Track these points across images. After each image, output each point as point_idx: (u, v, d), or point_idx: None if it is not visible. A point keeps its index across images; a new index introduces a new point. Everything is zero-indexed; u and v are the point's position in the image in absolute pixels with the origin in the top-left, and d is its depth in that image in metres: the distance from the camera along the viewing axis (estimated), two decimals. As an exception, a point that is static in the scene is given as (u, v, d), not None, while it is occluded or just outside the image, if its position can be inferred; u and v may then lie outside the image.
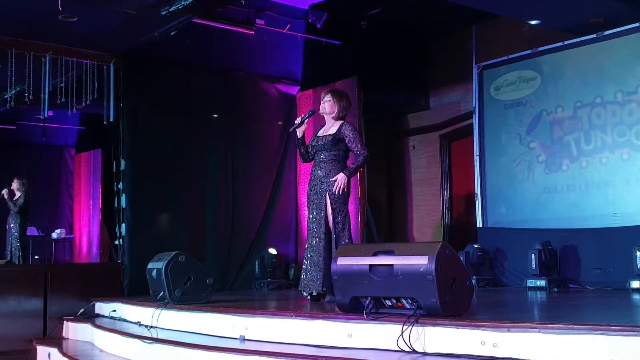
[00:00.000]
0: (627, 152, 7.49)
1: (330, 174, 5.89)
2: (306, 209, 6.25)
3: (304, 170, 9.59)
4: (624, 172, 7.50)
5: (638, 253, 6.76)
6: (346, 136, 5.90)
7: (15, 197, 9.99)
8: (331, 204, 5.86)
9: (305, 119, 6.02)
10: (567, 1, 7.38)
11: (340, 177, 5.83)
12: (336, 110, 6.00)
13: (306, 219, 6.24)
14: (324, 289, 5.77)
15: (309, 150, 6.12)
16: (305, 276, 5.92)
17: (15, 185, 10.03)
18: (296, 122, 6.05)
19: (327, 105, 6.02)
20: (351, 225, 6.02)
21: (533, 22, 8.35)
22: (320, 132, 6.07)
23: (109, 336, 6.31)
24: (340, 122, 6.00)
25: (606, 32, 7.68)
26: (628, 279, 6.84)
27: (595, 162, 7.75)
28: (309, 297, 5.94)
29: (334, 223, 5.86)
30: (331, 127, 6.00)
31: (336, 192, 5.83)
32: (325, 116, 6.09)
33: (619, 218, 7.41)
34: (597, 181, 7.71)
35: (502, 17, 8.62)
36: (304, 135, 6.10)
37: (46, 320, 7.64)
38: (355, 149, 5.91)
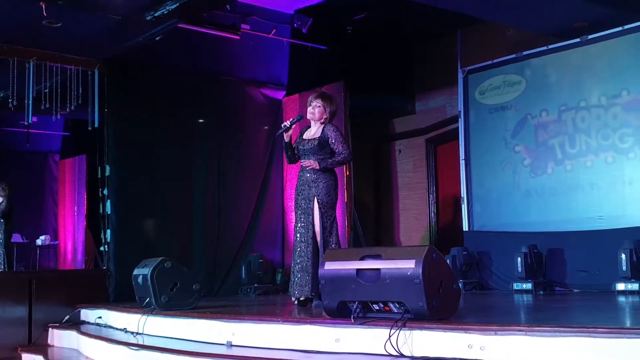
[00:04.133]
0: (612, 155, 7.53)
1: (319, 179, 5.91)
2: (293, 213, 6.25)
3: (291, 175, 9.58)
4: (608, 175, 7.54)
5: (623, 256, 6.79)
6: (329, 137, 5.93)
7: None
8: (319, 208, 5.88)
9: (294, 123, 6.01)
10: (551, 6, 7.42)
11: (312, 161, 5.86)
12: (325, 115, 6.03)
13: (293, 224, 6.24)
14: (313, 294, 5.77)
15: (295, 152, 6.12)
16: (294, 281, 5.91)
17: None
18: (284, 125, 6.04)
19: (317, 111, 6.02)
20: (338, 230, 6.04)
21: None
22: (306, 135, 6.08)
23: (95, 343, 6.27)
24: (324, 124, 6.02)
25: (590, 36, 7.73)
26: (613, 281, 6.88)
27: (580, 165, 7.79)
28: (296, 302, 5.93)
29: (322, 228, 5.86)
30: (317, 131, 6.02)
31: (304, 165, 5.86)
32: (311, 120, 6.11)
33: (604, 221, 7.45)
34: (582, 184, 7.75)
35: (487, 21, 8.66)
36: (290, 139, 6.08)
37: (31, 327, 7.59)
38: (337, 150, 5.93)
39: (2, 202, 9.87)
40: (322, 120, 6.03)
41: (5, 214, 9.83)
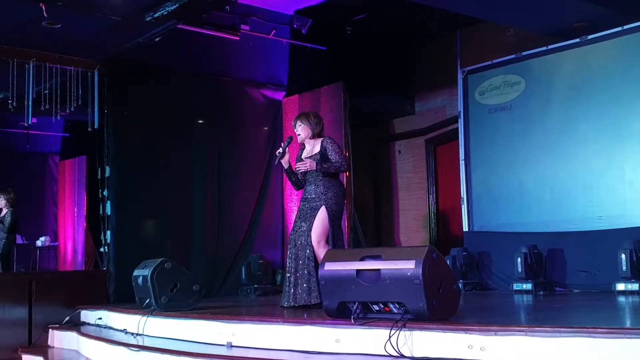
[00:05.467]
0: (612, 155, 7.53)
1: (330, 190, 5.95)
2: (293, 215, 6.26)
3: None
4: (609, 175, 7.54)
5: (623, 256, 6.80)
6: (327, 149, 5.99)
7: (2, 215, 9.71)
8: (329, 216, 5.90)
9: (286, 147, 6.08)
10: (551, 6, 7.42)
11: (310, 162, 5.92)
12: (310, 130, 6.11)
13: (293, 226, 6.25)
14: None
15: (299, 176, 6.15)
16: (296, 289, 5.87)
17: (1, 202, 9.80)
18: (278, 153, 6.09)
19: (300, 129, 6.13)
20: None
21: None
22: (305, 155, 6.13)
23: (95, 344, 6.27)
24: (321, 138, 6.11)
25: (590, 37, 7.73)
26: (613, 281, 6.88)
27: (580, 165, 7.78)
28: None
29: (332, 234, 5.88)
30: (314, 147, 6.09)
31: (298, 167, 5.95)
32: (305, 141, 6.17)
33: (604, 221, 7.45)
34: (582, 184, 7.74)
35: (487, 22, 8.67)
36: (290, 165, 6.13)
37: (31, 328, 7.58)
38: (334, 160, 5.97)
39: (6, 214, 9.60)
40: (311, 135, 6.12)
41: (12, 227, 9.59)
